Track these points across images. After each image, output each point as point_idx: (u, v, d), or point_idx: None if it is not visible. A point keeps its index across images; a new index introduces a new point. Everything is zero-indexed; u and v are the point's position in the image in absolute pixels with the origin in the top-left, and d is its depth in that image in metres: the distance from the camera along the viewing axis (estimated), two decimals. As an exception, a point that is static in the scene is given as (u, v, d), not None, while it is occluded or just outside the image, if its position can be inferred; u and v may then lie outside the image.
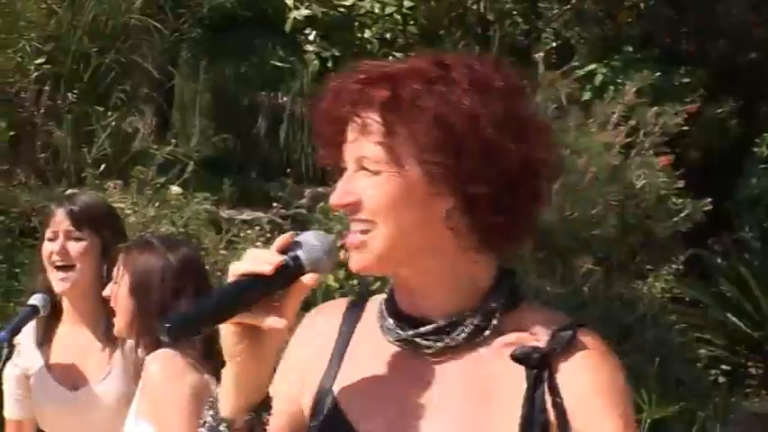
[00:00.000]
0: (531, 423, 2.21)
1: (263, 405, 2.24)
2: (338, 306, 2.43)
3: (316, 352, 2.34)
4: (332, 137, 2.32)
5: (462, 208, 2.26)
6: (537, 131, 2.33)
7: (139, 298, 4.38)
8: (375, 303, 2.39)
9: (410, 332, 2.30)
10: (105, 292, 4.53)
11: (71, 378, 4.90)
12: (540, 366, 2.22)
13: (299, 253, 2.22)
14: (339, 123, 2.29)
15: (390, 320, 2.34)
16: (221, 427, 2.22)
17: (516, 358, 2.23)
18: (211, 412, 2.24)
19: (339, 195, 2.26)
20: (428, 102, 2.23)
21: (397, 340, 2.32)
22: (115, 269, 4.50)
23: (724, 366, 10.82)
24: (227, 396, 2.23)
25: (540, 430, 2.21)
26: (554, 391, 2.21)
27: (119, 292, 4.44)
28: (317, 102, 2.35)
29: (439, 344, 2.28)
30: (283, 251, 2.22)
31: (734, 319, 11.07)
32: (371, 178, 2.24)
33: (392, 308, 2.34)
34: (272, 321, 2.17)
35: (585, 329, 2.29)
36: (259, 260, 2.18)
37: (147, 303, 4.35)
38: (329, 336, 2.37)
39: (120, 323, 4.48)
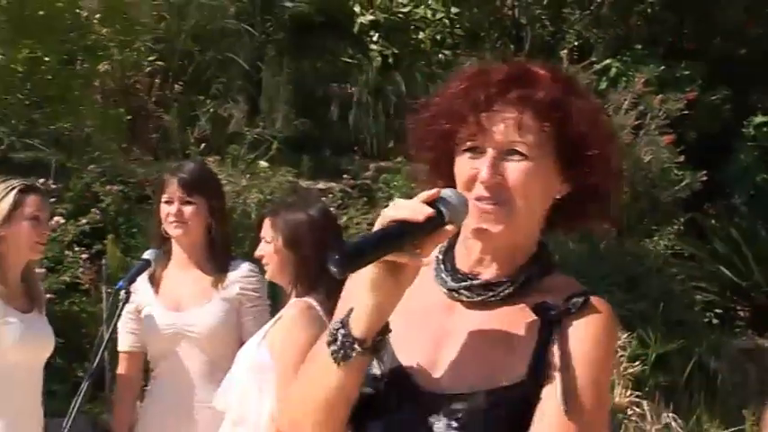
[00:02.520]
0: (538, 361, 2.20)
1: (386, 329, 2.22)
2: None
3: None
4: (461, 119, 2.26)
5: (573, 195, 2.29)
6: (618, 146, 2.37)
7: (293, 249, 4.41)
8: (433, 256, 2.32)
9: (461, 284, 2.29)
10: (258, 253, 4.55)
11: (175, 303, 4.95)
12: (554, 320, 2.21)
13: (443, 207, 2.17)
14: (478, 108, 2.24)
15: (444, 272, 2.32)
16: (354, 346, 2.19)
17: (536, 310, 2.23)
18: (343, 331, 2.21)
19: (490, 175, 2.21)
20: (571, 106, 2.24)
21: (447, 289, 2.31)
22: (264, 231, 4.52)
23: (717, 310, 10.75)
24: (360, 321, 2.19)
25: (546, 374, 2.19)
26: (562, 344, 2.20)
27: (272, 248, 4.47)
28: (454, 86, 2.31)
29: (479, 298, 2.27)
30: (429, 204, 2.17)
31: (725, 270, 11.00)
32: (519, 163, 2.21)
33: (450, 261, 2.32)
34: (416, 258, 2.15)
35: (598, 298, 2.26)
36: (411, 209, 2.14)
37: (301, 253, 4.38)
38: None
39: (273, 272, 4.51)
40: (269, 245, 4.48)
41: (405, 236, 2.14)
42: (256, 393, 4.34)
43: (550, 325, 2.22)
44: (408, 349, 2.28)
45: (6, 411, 4.71)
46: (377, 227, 2.16)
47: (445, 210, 2.17)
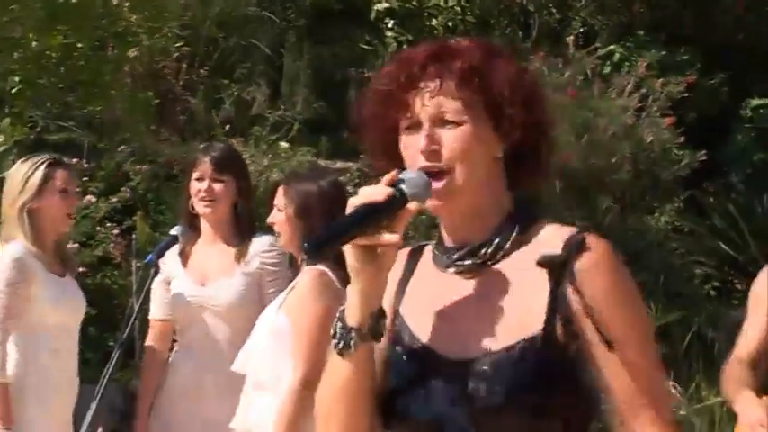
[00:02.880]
0: (553, 313, 2.19)
1: (381, 313, 2.23)
2: (404, 252, 2.41)
3: (389, 285, 2.30)
4: (394, 101, 2.29)
5: (511, 152, 2.28)
6: (545, 101, 2.36)
7: (303, 218, 4.40)
8: (430, 247, 2.39)
9: (452, 258, 2.30)
10: (270, 220, 4.55)
11: (201, 277, 4.96)
12: (561, 268, 2.21)
13: (403, 186, 2.21)
14: (405, 89, 2.27)
15: (438, 253, 2.34)
16: (351, 335, 2.21)
17: (541, 264, 2.22)
18: (340, 324, 2.23)
19: (427, 144, 2.23)
20: (491, 71, 2.26)
21: (445, 267, 2.31)
22: (276, 199, 4.52)
23: (715, 283, 10.73)
24: (352, 309, 2.21)
25: (564, 320, 2.19)
26: (575, 288, 2.19)
27: (284, 216, 4.46)
28: (385, 70, 2.35)
29: (472, 264, 2.27)
30: (391, 186, 2.21)
31: (723, 245, 10.96)
32: (452, 130, 2.24)
33: (441, 243, 2.34)
34: (387, 237, 2.17)
35: (592, 235, 2.26)
36: (372, 192, 2.19)
37: (311, 222, 4.36)
38: (397, 272, 2.35)
39: (284, 240, 4.52)
40: (280, 213, 4.48)
41: (369, 217, 2.18)
42: (276, 358, 4.34)
43: (558, 272, 2.21)
44: (426, 328, 2.29)
45: (49, 371, 4.76)
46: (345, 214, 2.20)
47: (407, 189, 2.20)
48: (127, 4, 11.25)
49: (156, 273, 4.78)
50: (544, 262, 2.22)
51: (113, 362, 4.54)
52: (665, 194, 10.89)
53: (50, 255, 4.85)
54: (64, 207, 4.85)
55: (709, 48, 12.18)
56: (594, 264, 2.21)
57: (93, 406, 4.41)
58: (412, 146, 2.27)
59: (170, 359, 5.04)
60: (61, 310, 4.81)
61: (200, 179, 4.93)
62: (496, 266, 2.27)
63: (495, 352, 2.19)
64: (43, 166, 4.80)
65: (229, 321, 4.84)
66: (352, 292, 2.22)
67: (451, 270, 2.30)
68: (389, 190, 2.19)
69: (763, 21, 12.83)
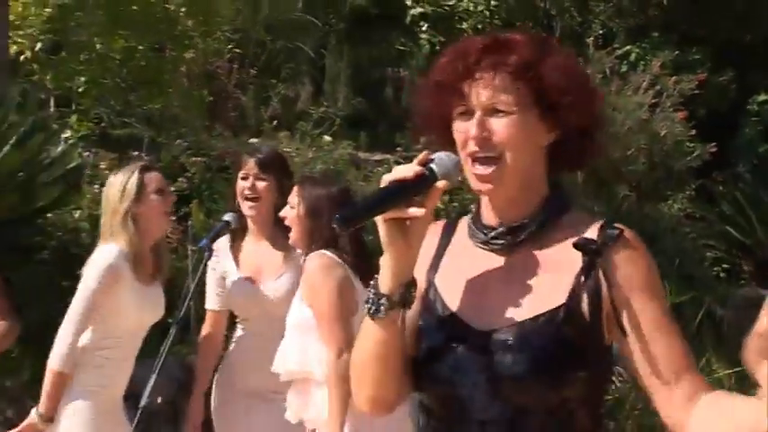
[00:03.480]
0: (581, 290, 2.20)
1: (411, 283, 2.24)
2: (439, 224, 2.41)
3: (425, 257, 2.31)
4: (450, 89, 2.27)
5: (558, 141, 2.28)
6: (599, 97, 2.35)
7: (312, 219, 4.42)
8: (465, 220, 2.38)
9: (489, 236, 2.29)
10: (282, 214, 4.56)
11: (252, 275, 4.94)
12: (596, 253, 2.21)
13: (434, 165, 2.21)
14: (461, 78, 2.26)
15: (475, 229, 2.33)
16: (382, 301, 2.21)
17: (577, 246, 2.22)
18: (372, 290, 2.23)
19: (478, 131, 2.23)
20: (544, 64, 2.25)
21: (480, 242, 2.31)
22: (290, 197, 4.53)
23: (724, 265, 10.67)
24: (384, 278, 2.22)
25: (591, 300, 2.20)
26: (607, 274, 2.20)
27: (295, 213, 4.47)
28: (442, 61, 2.32)
29: (507, 243, 2.27)
30: (422, 165, 2.20)
31: (731, 230, 10.90)
32: (503, 119, 2.22)
33: (478, 219, 2.33)
34: (414, 211, 2.17)
35: (630, 231, 2.26)
36: (404, 170, 2.18)
37: (318, 223, 4.38)
38: (432, 245, 2.36)
39: (295, 236, 4.52)
40: (292, 210, 4.49)
41: (399, 193, 2.17)
42: (306, 346, 4.36)
43: (592, 257, 2.21)
44: (457, 299, 2.29)
45: (122, 360, 4.73)
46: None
47: (437, 168, 2.20)
48: (183, 10, 11.32)
49: (210, 256, 4.76)
50: (581, 244, 2.22)
51: (171, 337, 4.55)
52: (677, 184, 10.84)
53: (146, 259, 4.76)
54: (162, 206, 4.78)
55: (719, 48, 12.11)
56: (629, 256, 2.22)
57: (153, 378, 4.42)
58: (463, 131, 2.25)
59: (234, 339, 5.06)
60: (139, 317, 4.75)
61: (245, 178, 4.92)
62: (528, 247, 2.27)
63: (518, 323, 2.20)
64: (137, 172, 4.75)
65: (279, 314, 4.83)
66: (384, 263, 2.22)
67: (486, 247, 2.30)
68: (419, 169, 2.19)
69: (769, 23, 12.77)
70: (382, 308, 2.22)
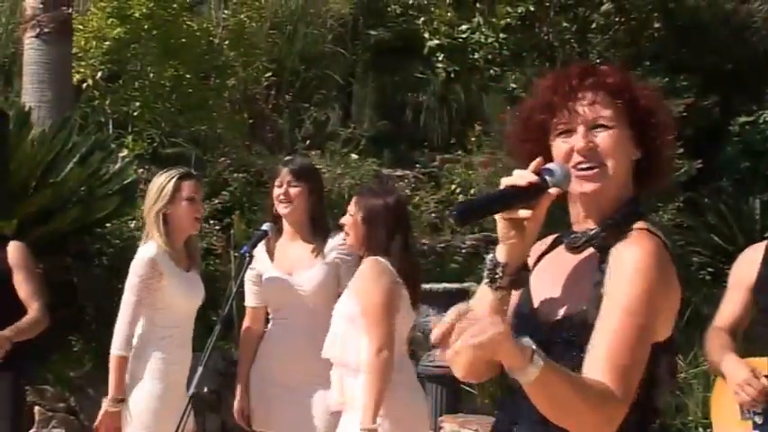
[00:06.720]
0: (597, 289, 2.19)
1: (524, 267, 2.26)
2: (552, 236, 2.44)
3: (532, 258, 2.34)
4: (552, 107, 2.28)
5: (644, 158, 2.30)
6: (673, 123, 2.39)
7: (369, 227, 4.39)
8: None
9: (569, 238, 2.31)
10: (342, 221, 4.52)
11: (287, 268, 4.92)
12: (601, 250, 2.23)
13: (546, 174, 2.20)
14: (565, 98, 2.26)
15: (564, 238, 2.34)
16: (498, 270, 2.24)
17: (586, 241, 2.29)
18: (491, 256, 2.26)
19: (585, 143, 2.23)
20: (635, 88, 2.29)
21: (564, 246, 2.34)
22: (350, 206, 4.51)
23: (709, 269, 10.59)
24: (501, 255, 2.24)
25: (597, 294, 2.18)
26: (609, 264, 2.20)
27: (354, 220, 4.45)
28: (543, 84, 2.33)
29: (574, 243, 2.29)
30: (536, 173, 2.20)
31: (716, 238, 10.85)
32: (605, 132, 2.24)
33: (569, 229, 2.34)
34: (523, 212, 2.17)
35: (646, 230, 2.23)
36: (519, 176, 2.18)
37: (374, 231, 4.38)
38: (540, 250, 2.40)
39: (352, 241, 4.48)
40: (351, 218, 4.47)
41: (512, 197, 2.17)
42: (352, 338, 4.35)
43: (602, 255, 2.22)
44: (536, 289, 2.32)
45: (170, 347, 4.77)
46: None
47: (549, 177, 2.19)
48: (226, 43, 11.38)
49: (250, 261, 4.76)
50: (586, 239, 2.26)
51: (215, 333, 4.57)
52: (667, 196, 10.79)
53: (180, 252, 4.84)
54: (191, 212, 4.82)
55: (705, 75, 12.07)
56: (624, 247, 2.19)
57: (200, 370, 4.44)
58: (565, 147, 2.25)
59: (267, 332, 5.05)
60: (185, 299, 4.82)
61: (279, 185, 4.93)
62: (586, 249, 2.28)
63: (559, 320, 2.22)
64: (175, 178, 4.80)
65: (313, 302, 4.83)
66: (500, 253, 2.24)
67: (565, 248, 2.32)
68: (533, 177, 2.18)
69: (749, 53, 12.74)
70: (497, 277, 2.24)
